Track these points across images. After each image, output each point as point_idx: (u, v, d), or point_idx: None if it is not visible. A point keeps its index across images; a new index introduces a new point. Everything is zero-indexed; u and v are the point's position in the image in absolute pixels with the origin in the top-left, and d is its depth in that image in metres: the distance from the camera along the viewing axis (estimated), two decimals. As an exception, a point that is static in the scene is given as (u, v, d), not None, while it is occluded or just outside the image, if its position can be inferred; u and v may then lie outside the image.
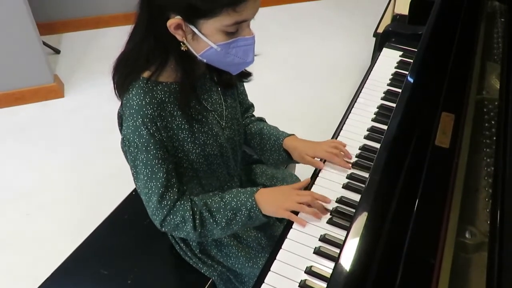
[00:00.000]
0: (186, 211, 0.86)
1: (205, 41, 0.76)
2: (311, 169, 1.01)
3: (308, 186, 0.94)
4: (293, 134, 1.07)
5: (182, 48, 0.79)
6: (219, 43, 0.77)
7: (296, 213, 0.87)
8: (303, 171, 1.40)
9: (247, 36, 0.78)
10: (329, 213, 0.87)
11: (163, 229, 0.90)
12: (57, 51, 2.68)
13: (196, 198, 0.90)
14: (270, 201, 0.87)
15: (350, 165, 0.98)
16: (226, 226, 0.88)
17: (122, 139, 0.87)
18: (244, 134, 1.10)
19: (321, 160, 1.01)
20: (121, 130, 0.89)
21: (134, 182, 0.89)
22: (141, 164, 0.84)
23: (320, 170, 0.98)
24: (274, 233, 1.05)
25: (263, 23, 2.99)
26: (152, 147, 0.82)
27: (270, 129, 1.09)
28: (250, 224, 0.90)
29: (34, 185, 1.89)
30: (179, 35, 0.77)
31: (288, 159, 1.06)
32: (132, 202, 1.23)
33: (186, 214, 0.86)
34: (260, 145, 1.08)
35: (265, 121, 1.15)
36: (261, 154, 1.09)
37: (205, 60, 0.81)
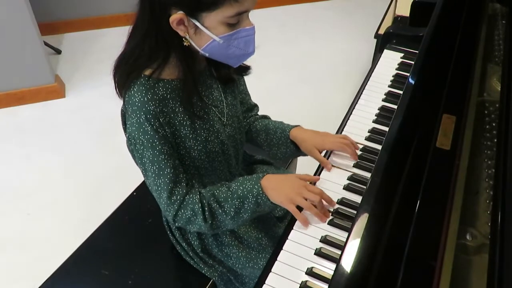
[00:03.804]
0: (195, 204, 0.87)
1: (208, 34, 0.77)
2: (312, 171, 1.02)
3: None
4: (299, 125, 1.07)
5: (184, 44, 0.80)
6: (221, 35, 0.78)
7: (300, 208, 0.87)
8: (303, 172, 1.40)
9: (248, 27, 0.80)
10: (330, 214, 0.87)
11: (176, 224, 0.91)
12: (58, 51, 2.69)
13: (204, 190, 0.90)
14: (277, 189, 0.86)
15: (357, 155, 0.99)
16: (236, 215, 0.87)
17: (128, 137, 0.87)
18: (250, 132, 1.10)
19: (327, 152, 1.01)
20: (124, 128, 0.89)
21: (144, 179, 0.90)
22: (148, 161, 0.84)
23: (321, 170, 0.98)
24: (275, 234, 1.05)
25: (264, 24, 3.00)
26: (157, 142, 0.83)
27: (275, 123, 1.09)
28: (260, 211, 0.89)
29: (34, 185, 1.89)
30: (181, 31, 0.78)
31: (296, 151, 1.06)
32: (133, 203, 1.23)
33: (196, 207, 0.87)
34: (266, 140, 1.08)
35: (270, 118, 1.15)
36: (269, 149, 1.09)
37: (207, 54, 0.82)
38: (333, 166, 0.99)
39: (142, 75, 0.83)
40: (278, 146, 1.07)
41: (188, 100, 0.85)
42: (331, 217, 0.87)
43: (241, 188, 0.88)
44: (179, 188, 0.87)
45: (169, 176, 0.85)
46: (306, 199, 0.86)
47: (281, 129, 1.06)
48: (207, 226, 0.88)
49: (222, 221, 0.88)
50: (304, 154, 1.07)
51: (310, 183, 0.93)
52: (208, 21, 0.76)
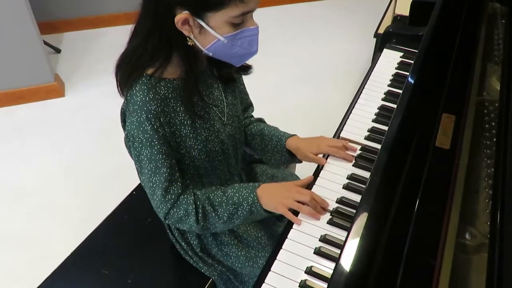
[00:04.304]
0: (189, 205, 0.88)
1: (213, 34, 0.78)
2: (311, 170, 1.02)
3: (309, 186, 0.94)
4: (295, 135, 1.07)
5: (189, 43, 0.80)
6: (226, 35, 0.78)
7: (296, 212, 0.88)
8: (303, 171, 1.40)
9: (252, 27, 0.80)
10: (329, 214, 0.88)
11: (167, 221, 0.92)
12: (57, 51, 2.69)
13: (199, 192, 0.91)
14: (271, 196, 0.88)
15: (353, 157, 1.00)
16: (228, 220, 0.89)
17: (126, 135, 0.87)
18: (244, 134, 1.10)
19: (323, 156, 1.01)
20: (124, 126, 0.90)
21: (139, 176, 0.91)
22: (145, 159, 0.85)
23: (321, 170, 0.98)
24: (274, 233, 1.05)
25: (264, 24, 2.99)
26: (156, 142, 0.83)
27: (271, 129, 1.09)
28: (252, 218, 0.91)
29: (34, 184, 1.89)
30: (186, 30, 0.78)
31: (290, 159, 1.06)
32: (132, 202, 1.23)
33: (189, 208, 0.87)
34: (261, 145, 1.08)
35: (265, 122, 1.15)
36: (262, 154, 1.10)
37: (211, 54, 0.83)
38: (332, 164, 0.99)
39: (144, 74, 0.83)
40: (272, 153, 1.07)
41: (189, 99, 0.85)
42: (330, 216, 0.87)
43: (237, 195, 0.89)
44: (175, 187, 0.88)
45: (165, 175, 0.86)
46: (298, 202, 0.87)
47: (277, 137, 1.07)
48: (198, 227, 0.89)
49: (213, 223, 0.90)
50: (299, 161, 1.08)
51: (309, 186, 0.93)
52: (213, 21, 0.77)
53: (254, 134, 1.10)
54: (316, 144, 1.02)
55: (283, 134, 1.07)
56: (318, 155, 1.01)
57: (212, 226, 0.90)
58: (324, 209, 0.88)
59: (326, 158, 1.01)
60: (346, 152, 1.01)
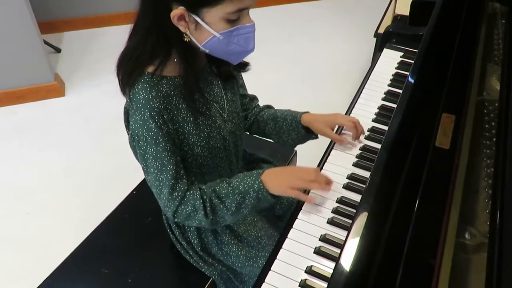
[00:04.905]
0: (196, 200, 0.87)
1: (208, 30, 0.78)
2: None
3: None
4: (308, 111, 1.10)
5: (185, 39, 0.80)
6: (221, 32, 0.79)
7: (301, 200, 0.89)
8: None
9: (248, 24, 0.81)
10: (330, 212, 0.88)
11: (176, 219, 0.92)
12: (58, 50, 2.69)
13: (205, 186, 0.91)
14: (277, 180, 0.88)
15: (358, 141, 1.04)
16: (236, 210, 0.88)
17: (130, 134, 0.87)
18: (257, 122, 1.12)
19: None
20: (127, 126, 0.90)
21: (145, 175, 0.90)
22: (150, 157, 0.85)
23: (321, 169, 0.99)
24: (274, 232, 1.05)
25: (263, 24, 3.00)
26: (160, 139, 0.83)
27: (283, 111, 1.12)
28: (260, 206, 0.90)
29: (34, 184, 1.89)
30: (182, 26, 0.79)
31: (307, 135, 1.08)
32: (133, 201, 1.23)
33: (197, 203, 0.87)
34: (275, 129, 1.10)
35: (273, 107, 1.17)
36: (278, 137, 1.11)
37: (207, 50, 0.83)
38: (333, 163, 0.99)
39: (145, 72, 0.83)
40: (288, 133, 1.09)
41: (190, 96, 0.86)
42: (331, 216, 0.87)
43: (242, 184, 0.88)
44: (181, 184, 0.88)
45: (171, 173, 0.86)
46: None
47: (291, 115, 1.09)
48: (208, 222, 0.88)
49: (222, 216, 0.89)
50: (314, 137, 1.09)
51: None
52: (209, 17, 0.77)
53: (266, 120, 1.11)
54: (332, 116, 1.05)
55: (297, 112, 1.10)
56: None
57: (221, 219, 0.90)
58: (331, 183, 0.91)
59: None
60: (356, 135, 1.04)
